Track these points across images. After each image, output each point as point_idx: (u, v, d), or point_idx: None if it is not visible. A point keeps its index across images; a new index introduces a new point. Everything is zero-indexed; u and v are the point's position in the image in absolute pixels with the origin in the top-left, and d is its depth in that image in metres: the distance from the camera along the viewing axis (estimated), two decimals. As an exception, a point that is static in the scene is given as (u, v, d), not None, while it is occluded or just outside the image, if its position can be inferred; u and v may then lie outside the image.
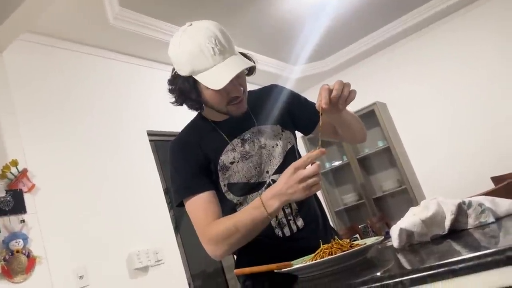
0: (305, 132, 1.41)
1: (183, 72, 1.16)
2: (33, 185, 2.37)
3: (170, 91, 1.23)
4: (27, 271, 2.18)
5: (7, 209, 2.21)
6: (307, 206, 1.28)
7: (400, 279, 0.65)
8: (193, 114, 1.34)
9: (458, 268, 0.60)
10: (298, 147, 1.40)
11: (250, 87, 1.27)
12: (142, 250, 2.76)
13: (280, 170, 1.22)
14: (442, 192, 4.44)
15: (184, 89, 1.18)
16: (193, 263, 3.35)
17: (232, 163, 1.23)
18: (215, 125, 1.28)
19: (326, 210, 5.08)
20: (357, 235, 4.02)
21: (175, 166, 1.25)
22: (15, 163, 2.32)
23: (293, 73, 4.90)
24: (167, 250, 2.95)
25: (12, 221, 2.22)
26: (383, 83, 5.04)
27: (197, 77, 1.13)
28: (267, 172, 1.25)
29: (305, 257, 1.10)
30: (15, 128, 2.45)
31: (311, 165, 0.99)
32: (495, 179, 3.37)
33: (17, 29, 2.41)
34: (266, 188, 1.21)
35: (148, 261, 2.78)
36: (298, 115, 1.37)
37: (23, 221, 2.26)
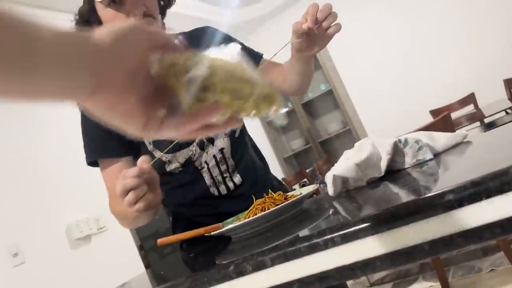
0: None
1: None
2: None
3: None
4: None
5: None
6: (245, 161, 1.17)
7: (330, 236, 0.56)
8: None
9: (392, 218, 0.51)
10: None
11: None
12: (81, 219, 2.59)
13: None
14: (384, 130, 4.54)
15: (82, 11, 1.03)
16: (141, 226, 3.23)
17: None
18: None
19: (275, 158, 5.09)
20: (305, 180, 4.05)
21: (84, 127, 1.11)
22: None
23: (225, 18, 4.63)
24: (109, 215, 2.79)
25: None
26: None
27: None
28: None
29: (239, 214, 1.01)
30: None
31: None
32: (433, 113, 3.44)
33: None
34: (198, 144, 1.10)
35: (90, 230, 2.62)
36: None
37: None
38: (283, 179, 4.17)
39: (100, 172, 1.10)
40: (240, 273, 0.62)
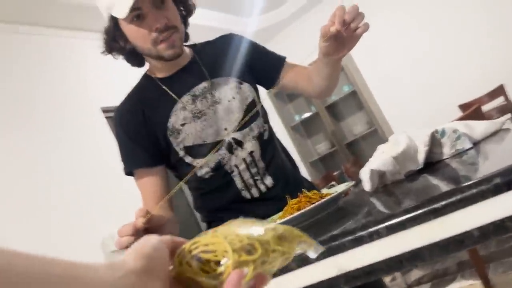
0: (267, 86, 1.26)
1: (105, 13, 1.04)
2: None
3: (105, 49, 1.10)
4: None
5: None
6: (275, 163, 1.16)
7: (375, 228, 0.55)
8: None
9: (439, 206, 0.50)
10: (266, 105, 1.25)
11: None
12: (115, 232, 2.64)
13: (240, 126, 1.11)
14: (411, 128, 4.46)
15: (108, 30, 1.06)
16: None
17: (183, 124, 1.09)
18: (161, 83, 1.14)
19: (300, 163, 5.07)
20: (334, 182, 4.01)
21: (117, 139, 1.14)
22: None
23: (247, 27, 4.68)
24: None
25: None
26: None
27: (112, 12, 1.00)
28: (225, 129, 1.11)
29: (274, 216, 1.00)
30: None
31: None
32: (463, 107, 3.36)
33: None
34: (227, 147, 1.10)
35: (124, 242, 2.66)
36: (259, 66, 1.22)
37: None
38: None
39: (135, 182, 1.12)
40: (284, 270, 0.62)
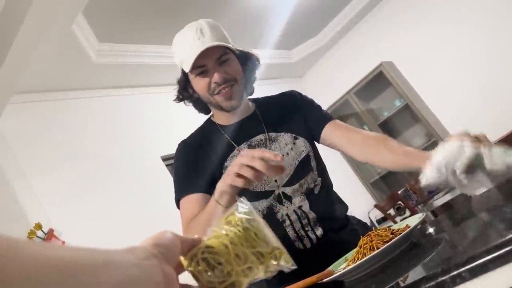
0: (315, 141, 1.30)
1: (179, 67, 1.18)
2: (63, 243, 2.34)
3: (177, 98, 1.25)
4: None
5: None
6: (325, 213, 1.19)
7: (457, 271, 0.53)
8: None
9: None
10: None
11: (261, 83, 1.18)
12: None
13: (290, 181, 1.16)
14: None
15: (180, 81, 1.21)
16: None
17: None
18: (222, 129, 1.24)
19: (361, 184, 4.95)
20: (400, 202, 3.87)
21: (175, 167, 1.24)
22: (39, 226, 2.29)
23: (292, 57, 4.76)
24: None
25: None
26: (384, 41, 4.83)
27: (182, 66, 1.14)
28: (276, 181, 1.17)
29: (347, 254, 1.00)
30: (29, 191, 2.42)
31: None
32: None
33: (3, 95, 2.38)
34: (274, 198, 1.16)
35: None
36: (308, 120, 1.28)
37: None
38: (375, 205, 4.02)
39: (181, 209, 1.15)
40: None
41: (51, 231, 2.32)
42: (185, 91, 1.22)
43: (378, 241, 0.86)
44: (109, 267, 0.35)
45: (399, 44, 4.74)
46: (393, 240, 0.81)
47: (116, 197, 2.75)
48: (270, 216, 1.15)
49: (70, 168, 2.66)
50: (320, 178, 1.22)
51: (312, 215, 1.16)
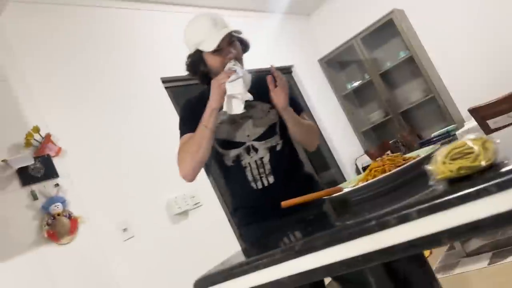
0: None
1: (192, 49, 1.50)
2: (60, 148, 2.35)
3: (188, 71, 1.57)
4: (72, 231, 2.22)
5: (39, 176, 2.21)
6: (278, 168, 1.51)
7: (483, 185, 0.56)
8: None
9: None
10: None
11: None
12: (178, 196, 2.77)
13: (259, 138, 1.51)
14: (472, 97, 4.27)
15: (194, 61, 1.52)
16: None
17: (221, 123, 1.51)
18: None
19: (352, 132, 5.01)
20: (389, 152, 3.95)
21: (180, 118, 1.63)
22: (36, 129, 2.28)
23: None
24: (202, 192, 2.95)
25: (47, 187, 2.22)
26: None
27: (199, 47, 1.46)
28: (248, 136, 1.52)
29: (358, 176, 1.03)
30: (29, 95, 2.39)
31: None
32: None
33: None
34: (244, 149, 1.51)
35: (187, 205, 2.80)
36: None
37: (57, 185, 2.26)
38: (365, 151, 4.10)
39: (181, 141, 1.55)
40: (383, 226, 0.64)
41: (48, 136, 2.31)
42: (199, 71, 1.53)
43: (391, 165, 0.89)
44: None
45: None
46: (406, 163, 0.84)
47: (112, 107, 2.74)
48: (236, 162, 1.51)
49: (69, 77, 2.61)
50: (282, 140, 1.54)
51: (268, 166, 1.50)
